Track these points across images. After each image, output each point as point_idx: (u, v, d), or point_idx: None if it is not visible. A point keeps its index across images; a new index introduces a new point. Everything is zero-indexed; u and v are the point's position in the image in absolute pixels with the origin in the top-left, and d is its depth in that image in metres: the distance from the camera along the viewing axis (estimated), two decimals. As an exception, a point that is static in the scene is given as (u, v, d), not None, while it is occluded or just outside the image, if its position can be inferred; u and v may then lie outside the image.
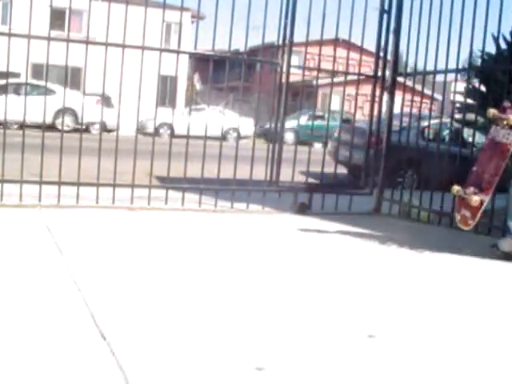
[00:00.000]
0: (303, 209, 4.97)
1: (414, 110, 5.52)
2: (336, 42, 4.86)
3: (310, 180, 5.72)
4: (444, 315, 2.49)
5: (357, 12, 4.96)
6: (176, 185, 4.83)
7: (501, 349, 2.13)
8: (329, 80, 5.46)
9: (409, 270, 3.25)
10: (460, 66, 4.95)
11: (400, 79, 5.42)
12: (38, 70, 12.26)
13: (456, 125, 5.86)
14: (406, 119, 5.98)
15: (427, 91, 5.30)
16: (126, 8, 4.43)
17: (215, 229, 3.98)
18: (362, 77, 5.51)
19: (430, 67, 5.06)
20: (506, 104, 3.77)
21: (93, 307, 2.19)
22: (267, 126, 8.26)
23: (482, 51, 4.90)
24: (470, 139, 5.57)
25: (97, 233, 3.64)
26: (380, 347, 2.04)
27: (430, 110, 5.85)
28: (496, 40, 5.26)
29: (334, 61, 5.12)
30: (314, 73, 5.42)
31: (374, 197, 5.37)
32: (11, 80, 16.93)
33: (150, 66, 4.50)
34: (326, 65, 5.86)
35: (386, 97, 5.44)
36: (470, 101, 5.35)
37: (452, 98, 6.25)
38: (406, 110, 5.91)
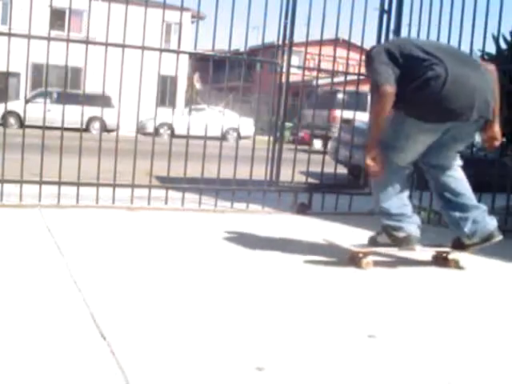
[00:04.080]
0: (303, 209, 4.97)
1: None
2: (336, 42, 4.86)
3: (310, 180, 5.72)
4: (443, 314, 2.49)
5: (357, 12, 4.96)
6: (176, 185, 4.83)
7: (501, 347, 2.13)
8: (329, 80, 5.46)
9: (408, 269, 3.25)
10: (460, 66, 4.94)
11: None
12: (37, 70, 12.29)
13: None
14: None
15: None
16: (125, 8, 4.43)
17: (215, 229, 3.98)
18: (361, 77, 5.51)
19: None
20: None
21: (93, 307, 2.19)
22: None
23: (482, 51, 4.90)
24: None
25: (97, 233, 3.64)
26: (380, 347, 2.04)
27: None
28: (496, 40, 5.26)
29: (334, 61, 5.12)
30: (314, 73, 5.43)
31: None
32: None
33: (150, 66, 4.50)
34: (326, 65, 5.86)
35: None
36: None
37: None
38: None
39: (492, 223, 3.23)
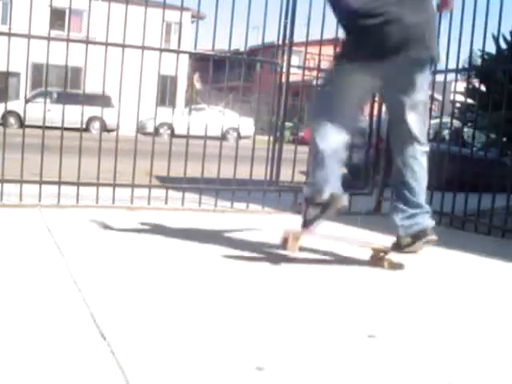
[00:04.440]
0: (303, 209, 4.96)
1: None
2: (336, 42, 4.86)
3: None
4: (444, 314, 2.49)
5: (357, 12, 4.95)
6: (176, 185, 4.83)
7: (501, 346, 2.13)
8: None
9: (408, 269, 3.25)
10: (460, 66, 4.95)
11: (400, 79, 5.41)
12: (37, 70, 12.30)
13: (456, 124, 5.86)
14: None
15: (427, 91, 5.29)
16: (125, 8, 4.43)
17: (215, 229, 3.98)
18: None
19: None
20: None
21: (93, 307, 2.19)
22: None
23: (482, 51, 4.90)
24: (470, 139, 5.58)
25: (97, 233, 3.64)
26: (380, 347, 2.04)
27: (430, 109, 5.84)
28: (496, 40, 5.26)
29: (334, 61, 5.12)
30: (314, 73, 5.42)
31: (374, 197, 5.37)
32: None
33: (150, 66, 4.50)
34: (326, 65, 5.86)
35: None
36: (470, 101, 5.35)
37: (452, 97, 6.25)
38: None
39: (427, 223, 3.14)
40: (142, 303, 2.32)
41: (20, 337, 1.88)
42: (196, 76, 28.03)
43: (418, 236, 3.13)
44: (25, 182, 4.37)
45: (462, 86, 5.76)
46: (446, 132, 7.61)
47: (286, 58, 5.05)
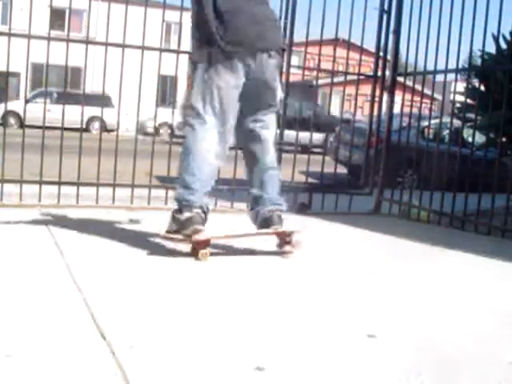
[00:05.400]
0: (303, 209, 4.97)
1: (414, 110, 5.52)
2: (336, 42, 4.86)
3: (310, 180, 5.72)
4: (445, 314, 2.50)
5: (357, 12, 4.96)
6: (176, 185, 4.82)
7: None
8: (329, 80, 5.47)
9: (408, 269, 3.25)
10: (460, 66, 4.95)
11: (400, 79, 5.43)
12: (37, 70, 12.32)
13: (456, 124, 5.86)
14: (405, 119, 5.98)
15: (427, 91, 5.30)
16: (125, 8, 4.43)
17: (215, 229, 3.97)
18: (361, 77, 5.51)
19: (430, 67, 5.07)
20: None
21: (93, 307, 2.19)
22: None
23: (482, 51, 4.90)
24: (470, 139, 5.58)
25: (97, 233, 3.64)
26: (380, 347, 2.04)
27: (430, 109, 5.85)
28: (496, 40, 5.26)
29: (334, 61, 5.12)
30: (314, 73, 5.43)
31: (374, 197, 5.37)
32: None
33: (150, 66, 4.50)
34: (326, 65, 5.87)
35: (385, 97, 5.44)
36: (469, 101, 5.35)
37: (452, 97, 6.25)
38: (406, 109, 5.93)
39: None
40: (142, 303, 2.32)
41: (20, 337, 1.88)
42: (196, 76, 27.98)
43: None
44: (25, 182, 4.37)
45: (461, 85, 5.77)
46: (445, 132, 7.61)
47: (285, 58, 5.05)
